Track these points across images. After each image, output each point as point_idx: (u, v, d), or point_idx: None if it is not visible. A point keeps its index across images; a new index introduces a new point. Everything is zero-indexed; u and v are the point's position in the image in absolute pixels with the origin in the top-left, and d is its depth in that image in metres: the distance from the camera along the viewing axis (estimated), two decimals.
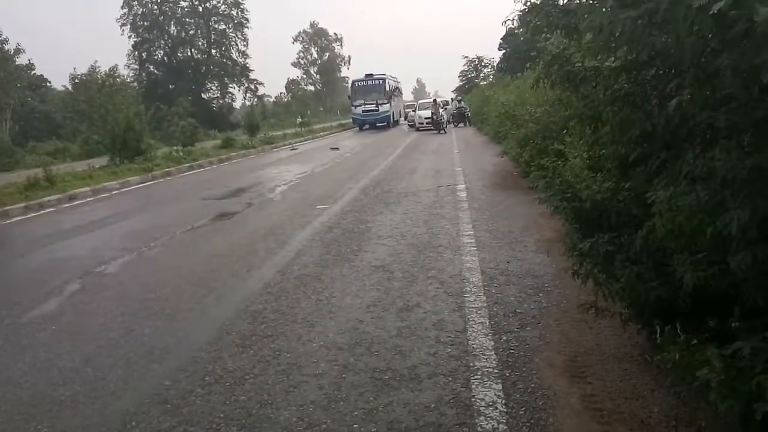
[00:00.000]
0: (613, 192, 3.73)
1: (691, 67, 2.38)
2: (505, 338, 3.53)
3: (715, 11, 1.64)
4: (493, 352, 3.34)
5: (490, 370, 3.13)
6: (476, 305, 4.13)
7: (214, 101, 56.82)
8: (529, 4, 3.70)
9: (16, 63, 43.99)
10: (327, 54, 75.76)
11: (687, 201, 2.20)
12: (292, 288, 4.84)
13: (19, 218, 10.26)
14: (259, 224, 7.81)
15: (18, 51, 43.90)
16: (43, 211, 10.80)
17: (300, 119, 41.86)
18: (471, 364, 3.22)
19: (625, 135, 3.24)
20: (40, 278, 5.89)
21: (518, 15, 3.96)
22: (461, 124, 31.21)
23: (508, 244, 5.79)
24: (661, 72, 3.15)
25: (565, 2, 3.64)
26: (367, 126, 35.28)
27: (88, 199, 12.01)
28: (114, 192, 12.94)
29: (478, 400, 2.84)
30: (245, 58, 57.59)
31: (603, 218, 3.53)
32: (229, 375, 3.33)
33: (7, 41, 42.47)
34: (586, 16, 2.87)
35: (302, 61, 74.91)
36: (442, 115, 27.84)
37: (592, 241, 3.25)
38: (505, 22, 3.99)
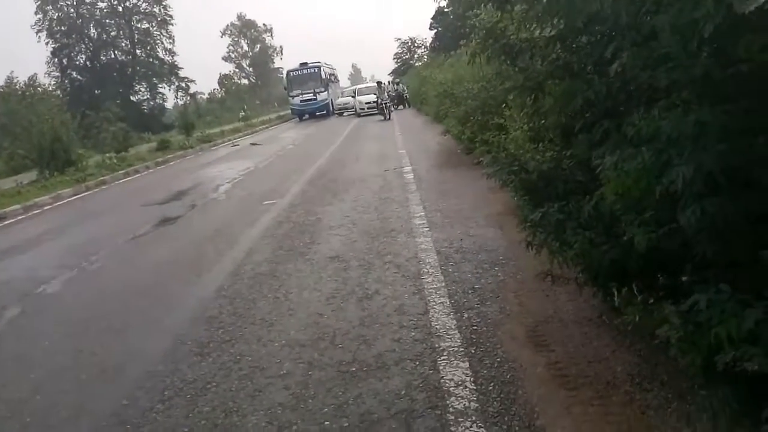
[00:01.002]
0: (558, 161, 3.79)
1: (627, 30, 2.41)
2: (466, 315, 3.55)
3: None
4: (456, 331, 3.35)
5: (456, 349, 3.14)
6: (435, 286, 4.13)
7: (145, 103, 54.56)
8: None
9: None
10: (258, 46, 73.96)
11: (633, 164, 2.23)
12: (246, 289, 4.71)
13: None
14: (206, 226, 7.56)
15: None
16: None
17: (243, 112, 40.90)
18: (436, 346, 3.21)
19: (568, 105, 3.27)
20: None
21: None
22: (401, 106, 31.28)
23: (460, 222, 5.82)
24: (594, 39, 3.20)
25: None
26: (306, 116, 34.82)
27: (20, 218, 11.30)
28: (47, 207, 12.24)
29: (447, 381, 2.83)
30: (173, 56, 55.46)
31: (551, 188, 3.56)
32: (189, 386, 3.20)
33: None
34: None
35: (233, 55, 72.88)
36: (386, 99, 25.63)
37: (543, 211, 3.29)
38: None
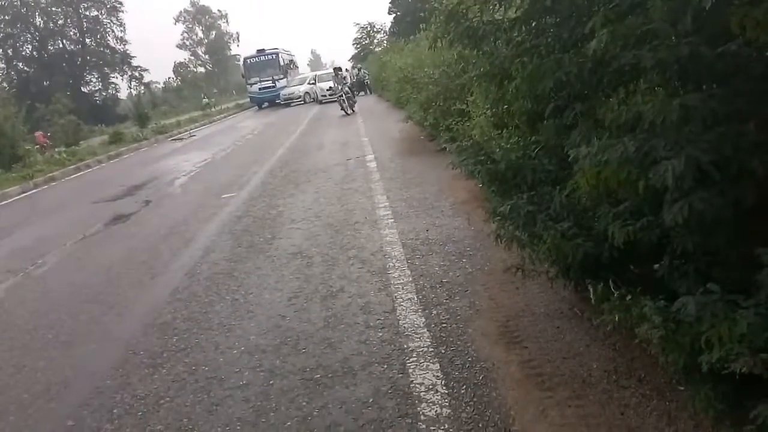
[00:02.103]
0: (524, 148, 3.66)
1: (600, 5, 2.25)
2: (435, 312, 3.40)
3: None
4: (425, 330, 3.20)
5: (425, 349, 2.99)
6: (402, 281, 3.97)
7: (96, 94, 52.54)
8: None
9: None
10: (213, 32, 71.93)
11: (614, 154, 2.09)
12: (203, 290, 4.45)
13: None
14: (160, 223, 7.21)
15: None
16: None
17: (206, 100, 39.86)
18: (405, 346, 3.06)
19: (536, 88, 3.12)
20: None
21: None
22: (362, 93, 30.95)
23: (425, 212, 5.67)
24: (562, 19, 3.05)
25: None
26: (266, 104, 34.10)
27: None
28: None
29: (417, 386, 2.68)
30: (124, 45, 53.41)
31: (519, 177, 3.44)
32: (140, 403, 2.97)
33: None
34: None
35: (187, 42, 70.66)
36: (346, 90, 19.72)
37: (512, 203, 3.15)
38: None
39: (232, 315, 3.89)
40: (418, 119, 11.23)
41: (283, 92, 33.24)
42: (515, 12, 3.33)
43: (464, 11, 3.65)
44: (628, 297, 2.13)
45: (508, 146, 3.95)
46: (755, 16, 1.48)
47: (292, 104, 31.52)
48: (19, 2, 49.05)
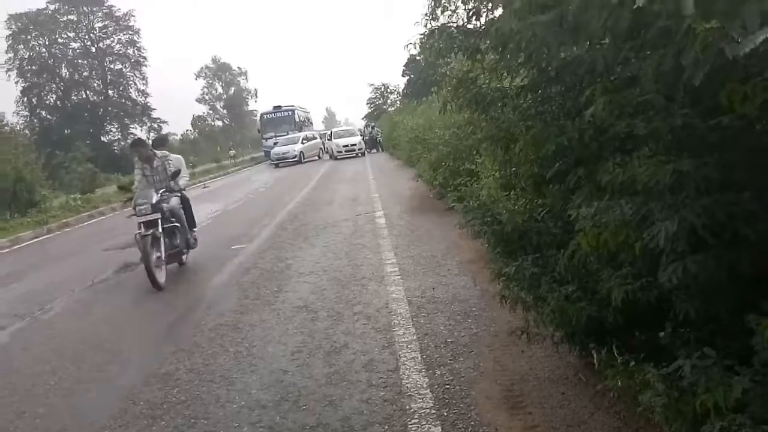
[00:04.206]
0: (530, 211, 3.72)
1: (601, 77, 2.36)
2: (438, 372, 3.37)
3: (639, 5, 1.57)
4: (428, 390, 3.17)
5: (427, 411, 2.95)
6: (406, 339, 3.96)
7: (116, 143, 53.93)
8: (430, 26, 3.66)
9: None
10: (233, 88, 74.39)
11: (611, 216, 2.14)
12: (207, 342, 4.45)
13: None
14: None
15: None
16: None
17: (232, 151, 40.77)
18: (407, 407, 3.02)
19: (539, 151, 3.21)
20: None
21: (420, 39, 3.90)
22: (374, 150, 31.56)
23: (432, 270, 5.70)
24: (564, 88, 3.17)
25: (465, 25, 3.63)
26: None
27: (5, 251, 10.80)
28: (4, 251, 11.73)
29: None
30: (145, 97, 55.29)
31: (524, 240, 3.48)
32: None
33: None
34: (492, 28, 2.80)
35: (207, 97, 73.00)
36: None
37: (517, 265, 3.19)
38: (407, 46, 3.92)
39: (234, 368, 3.87)
40: (427, 178, 11.42)
41: (273, 151, 30.40)
42: (522, 80, 3.46)
43: (473, 78, 3.82)
44: (632, 363, 2.13)
45: (515, 208, 4.02)
46: (743, 91, 1.56)
47: (280, 165, 28.73)
48: (47, 53, 51.24)
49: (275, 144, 31.64)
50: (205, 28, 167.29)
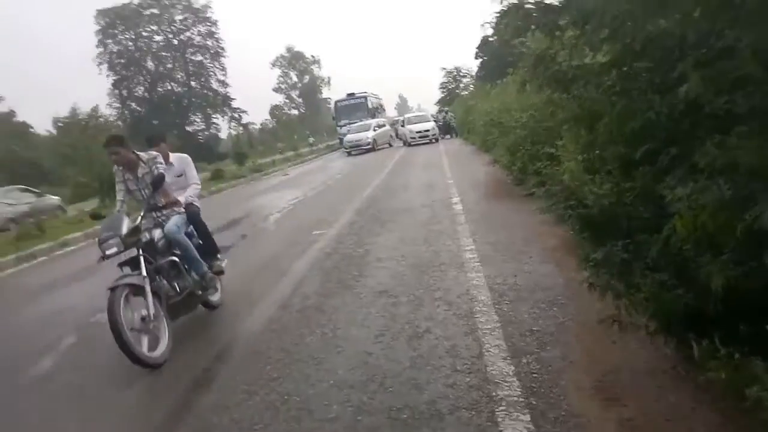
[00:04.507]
0: (618, 194, 3.58)
1: (691, 50, 2.23)
2: (525, 361, 3.34)
3: None
4: (514, 378, 3.15)
5: (515, 398, 2.94)
6: (489, 326, 3.95)
7: (200, 133, 56.68)
8: (506, 4, 3.56)
9: None
10: (307, 77, 76.02)
11: (709, 197, 2.04)
12: (295, 323, 4.64)
13: (11, 270, 9.99)
14: (256, 256, 7.61)
15: None
16: (35, 261, 10.54)
17: (311, 138, 42.13)
18: (493, 394, 3.02)
19: (626, 128, 3.08)
20: (35, 332, 5.66)
21: (496, 17, 3.81)
22: (448, 136, 31.29)
23: (513, 256, 5.62)
24: (653, 63, 3.01)
25: (543, 1, 3.50)
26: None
27: (80, 245, 11.75)
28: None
29: None
30: (225, 87, 57.66)
31: (613, 224, 3.37)
32: (236, 426, 3.12)
33: None
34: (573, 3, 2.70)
35: (283, 86, 75.15)
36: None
37: (606, 250, 3.10)
38: (483, 25, 3.84)
39: (321, 348, 4.02)
40: (504, 163, 11.21)
41: (346, 139, 30.47)
42: (604, 56, 3.32)
43: (552, 56, 3.69)
44: (737, 356, 2.03)
45: (601, 192, 3.88)
46: None
47: (353, 153, 28.76)
48: (134, 47, 54.39)
49: (348, 132, 31.88)
50: (277, 15, 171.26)
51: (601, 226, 3.49)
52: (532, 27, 3.46)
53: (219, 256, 5.56)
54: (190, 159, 5.80)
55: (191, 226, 5.33)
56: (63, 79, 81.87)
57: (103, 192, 17.67)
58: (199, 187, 5.78)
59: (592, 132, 3.70)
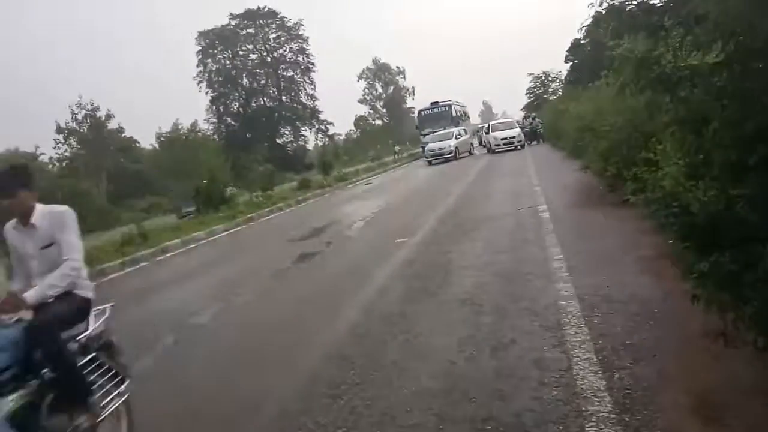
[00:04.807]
0: (725, 201, 3.32)
1: None
2: (617, 376, 3.15)
3: None
4: (606, 393, 2.98)
5: (606, 414, 2.78)
6: (578, 338, 3.76)
7: (289, 145, 59.08)
8: (606, 5, 3.43)
9: (108, 128, 48.17)
10: (392, 87, 77.01)
11: None
12: (377, 328, 4.67)
13: (116, 275, 10.84)
14: (340, 263, 7.77)
15: (108, 117, 48.17)
16: (138, 266, 11.37)
17: (397, 147, 43.02)
18: (583, 408, 2.87)
19: (738, 132, 2.86)
20: (137, 332, 6.10)
21: (593, 19, 3.68)
22: (534, 142, 30.52)
23: (605, 266, 5.34)
24: None
25: (647, 1, 3.35)
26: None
27: (179, 251, 12.53)
28: (202, 241, 13.46)
29: None
30: (314, 101, 59.83)
31: (720, 232, 3.12)
32: (320, 429, 3.18)
33: (98, 109, 46.67)
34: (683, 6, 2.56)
35: (368, 98, 76.56)
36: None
37: (713, 261, 2.87)
38: (581, 28, 3.74)
39: (404, 355, 4.01)
40: (596, 169, 10.72)
41: (427, 147, 29.76)
42: (716, 56, 3.11)
43: (656, 57, 3.51)
44: None
45: (706, 198, 3.61)
46: None
47: (434, 162, 28.26)
48: (230, 65, 57.73)
49: (429, 141, 31.51)
50: (362, 26, 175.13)
51: (707, 234, 3.25)
52: (634, 27, 3.32)
53: (90, 400, 2.92)
54: (69, 216, 3.17)
55: (40, 352, 2.75)
56: (166, 97, 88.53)
57: (200, 200, 18.85)
58: (78, 266, 3.09)
59: (699, 136, 3.48)
